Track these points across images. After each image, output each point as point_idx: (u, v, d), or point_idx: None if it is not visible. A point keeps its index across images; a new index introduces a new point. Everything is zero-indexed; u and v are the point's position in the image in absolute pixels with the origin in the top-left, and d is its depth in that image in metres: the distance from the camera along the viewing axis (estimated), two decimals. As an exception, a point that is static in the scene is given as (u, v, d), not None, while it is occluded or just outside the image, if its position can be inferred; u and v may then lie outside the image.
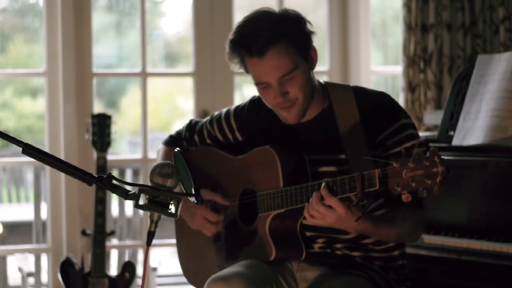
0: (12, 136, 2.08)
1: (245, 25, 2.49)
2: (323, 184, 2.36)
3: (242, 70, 2.56)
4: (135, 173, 6.21)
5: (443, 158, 2.14)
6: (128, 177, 6.16)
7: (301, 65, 2.49)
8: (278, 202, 2.51)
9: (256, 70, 2.49)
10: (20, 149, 2.07)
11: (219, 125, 2.78)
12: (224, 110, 2.80)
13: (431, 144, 3.16)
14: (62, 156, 4.32)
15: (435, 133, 3.34)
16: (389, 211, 2.49)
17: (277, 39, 2.44)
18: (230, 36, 2.51)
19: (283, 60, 2.45)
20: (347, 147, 2.51)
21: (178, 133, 2.92)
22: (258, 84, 2.52)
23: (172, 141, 2.92)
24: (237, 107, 2.77)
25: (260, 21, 2.48)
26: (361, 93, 2.59)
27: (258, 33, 2.44)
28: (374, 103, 2.55)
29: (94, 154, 4.20)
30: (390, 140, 2.50)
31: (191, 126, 2.88)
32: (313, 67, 2.54)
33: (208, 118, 2.84)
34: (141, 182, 4.89)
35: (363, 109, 2.54)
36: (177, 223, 2.92)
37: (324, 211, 2.34)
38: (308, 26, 2.52)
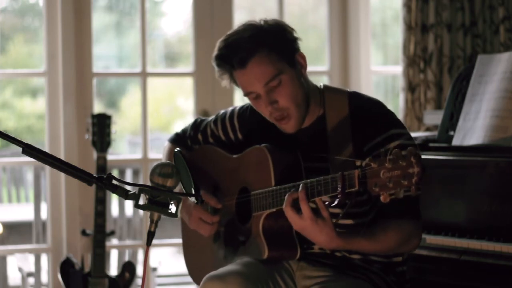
0: (12, 136, 2.08)
1: (225, 39, 2.55)
2: (301, 186, 2.36)
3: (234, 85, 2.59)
4: (135, 173, 6.21)
5: (421, 159, 2.13)
6: (128, 177, 6.16)
7: (286, 71, 2.50)
8: (270, 202, 2.52)
9: (241, 81, 2.54)
10: (20, 149, 2.07)
11: (222, 125, 2.81)
12: (229, 109, 2.82)
13: (431, 144, 3.18)
14: (62, 156, 4.32)
15: (435, 133, 3.34)
16: (372, 225, 2.47)
17: (256, 48, 2.49)
18: (213, 53, 2.57)
19: (265, 67, 2.49)
20: (333, 157, 2.50)
21: (184, 131, 2.95)
22: (247, 95, 2.56)
23: (177, 139, 2.95)
24: (242, 107, 2.79)
25: (239, 34, 2.53)
26: (355, 101, 2.58)
27: (238, 46, 2.51)
28: (366, 112, 2.54)
29: (94, 154, 4.20)
30: (377, 150, 2.44)
31: (196, 124, 2.91)
32: (302, 72, 2.55)
33: (213, 117, 2.87)
34: (141, 182, 4.89)
35: (355, 118, 2.53)
36: (183, 220, 2.94)
37: (291, 215, 2.36)
38: (291, 33, 2.55)
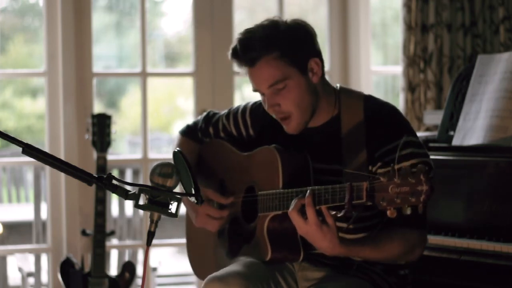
0: (12, 136, 2.08)
1: (242, 35, 2.54)
2: (308, 191, 2.36)
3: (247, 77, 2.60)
4: (135, 173, 6.21)
5: (431, 177, 2.12)
6: (128, 177, 6.16)
7: (293, 76, 2.50)
8: (277, 204, 2.52)
9: (250, 79, 2.56)
10: (20, 149, 2.07)
11: (235, 120, 2.81)
12: (242, 105, 2.83)
13: (431, 144, 3.18)
14: (62, 156, 4.32)
15: (435, 133, 3.34)
16: (377, 233, 2.47)
17: (266, 50, 2.49)
18: (231, 45, 2.57)
19: (272, 70, 2.49)
20: (347, 159, 2.50)
21: (195, 123, 2.94)
22: (255, 91, 2.58)
23: (188, 131, 2.95)
24: (255, 103, 2.78)
25: (254, 32, 2.52)
26: (370, 104, 2.57)
27: (250, 44, 2.50)
28: (380, 116, 2.53)
29: (94, 154, 4.20)
30: (388, 157, 2.46)
31: (208, 117, 2.90)
32: (313, 79, 2.53)
33: (225, 111, 2.86)
34: (141, 182, 4.89)
35: (369, 122, 2.52)
36: (188, 215, 2.94)
37: (296, 219, 2.36)
38: (310, 38, 2.53)
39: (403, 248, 2.44)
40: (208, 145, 2.91)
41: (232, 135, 2.83)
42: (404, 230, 2.44)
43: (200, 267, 2.93)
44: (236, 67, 2.59)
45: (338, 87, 2.62)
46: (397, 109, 2.59)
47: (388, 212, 2.17)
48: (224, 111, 2.87)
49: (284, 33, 2.51)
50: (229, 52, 2.56)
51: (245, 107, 2.80)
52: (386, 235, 2.43)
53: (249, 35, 2.52)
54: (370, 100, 2.59)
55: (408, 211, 2.16)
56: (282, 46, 2.49)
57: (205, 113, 2.93)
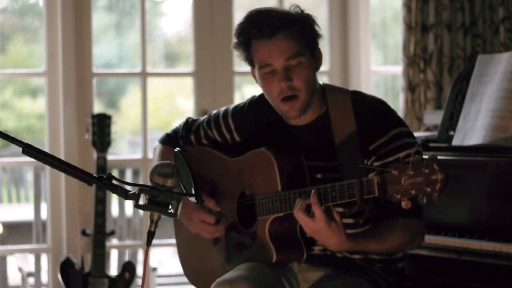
0: (12, 136, 2.08)
1: (260, 9, 2.54)
2: (313, 191, 2.36)
3: (243, 61, 2.57)
4: (135, 173, 6.21)
5: (443, 166, 2.14)
6: (128, 177, 6.16)
7: (307, 56, 2.51)
8: (277, 206, 2.51)
9: (262, 52, 2.50)
10: (20, 149, 2.07)
11: (216, 126, 2.76)
12: (222, 109, 2.78)
13: (431, 144, 3.18)
14: (62, 156, 4.32)
15: (435, 133, 3.34)
16: (378, 225, 2.48)
17: (289, 24, 2.49)
18: (241, 20, 2.54)
19: (292, 43, 2.48)
20: (341, 155, 2.50)
21: (175, 132, 2.89)
22: (262, 67, 2.51)
23: (168, 140, 2.89)
24: (236, 107, 2.75)
25: (274, 9, 2.55)
26: (359, 99, 2.58)
27: (273, 16, 2.50)
28: (371, 111, 2.54)
29: (94, 154, 4.20)
30: (383, 149, 2.48)
31: (187, 124, 2.85)
32: (317, 67, 2.56)
33: (206, 117, 2.82)
34: (141, 182, 4.89)
35: (359, 117, 2.53)
36: (176, 222, 2.91)
37: (303, 219, 2.35)
38: (319, 28, 2.57)
39: (405, 238, 2.46)
40: (191, 153, 2.81)
41: (216, 141, 2.78)
42: (404, 220, 2.45)
43: (195, 273, 2.88)
44: (235, 45, 2.55)
45: (322, 84, 2.62)
46: (385, 102, 2.60)
47: (403, 204, 2.19)
48: (204, 117, 2.82)
49: (299, 15, 2.53)
50: (240, 24, 2.53)
51: (226, 111, 2.75)
52: (387, 227, 2.45)
53: (269, 9, 2.54)
54: (357, 95, 2.60)
55: (424, 201, 2.18)
56: (300, 25, 2.51)
57: (183, 121, 2.88)
